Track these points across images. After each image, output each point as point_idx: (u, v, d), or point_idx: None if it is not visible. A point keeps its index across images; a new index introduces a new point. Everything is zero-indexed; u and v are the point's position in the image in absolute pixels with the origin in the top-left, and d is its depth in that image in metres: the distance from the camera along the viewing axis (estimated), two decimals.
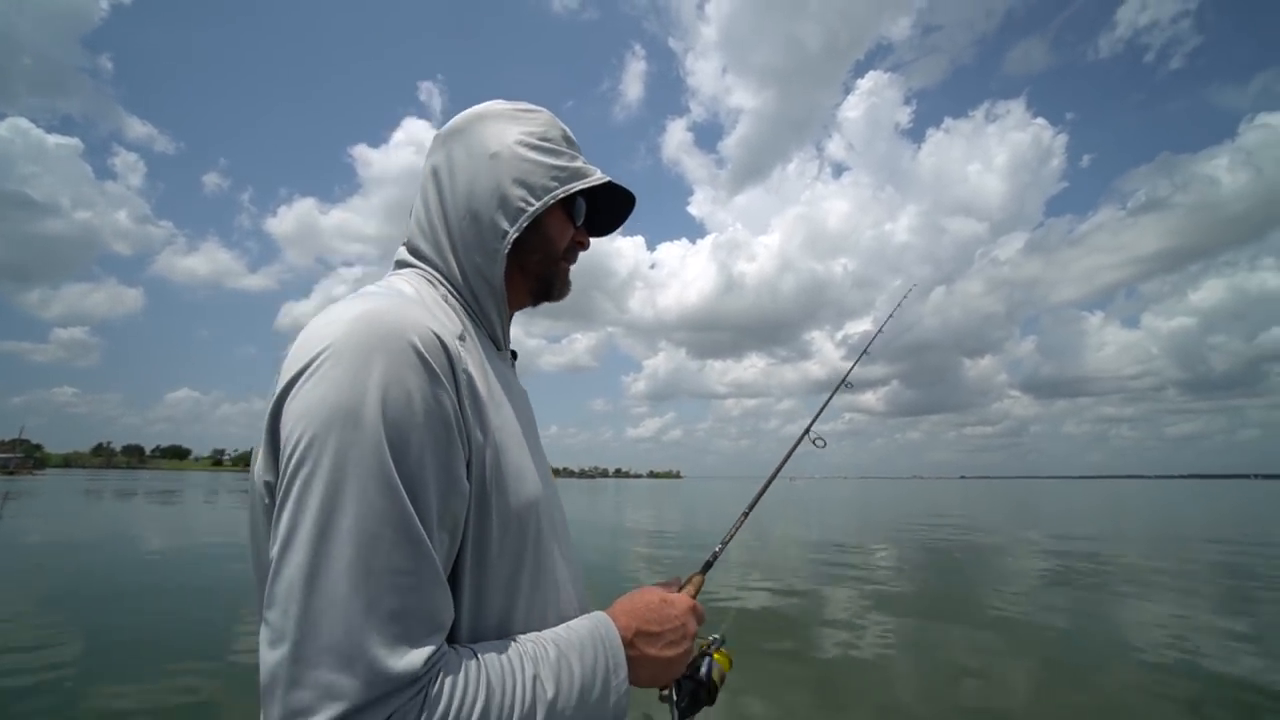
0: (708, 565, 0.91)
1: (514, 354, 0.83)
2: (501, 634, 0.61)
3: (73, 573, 8.42)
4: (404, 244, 0.77)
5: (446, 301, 0.69)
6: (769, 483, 1.09)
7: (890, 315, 1.58)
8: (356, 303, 0.59)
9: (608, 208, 0.88)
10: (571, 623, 0.64)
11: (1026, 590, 7.88)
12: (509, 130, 0.74)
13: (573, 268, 0.84)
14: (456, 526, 0.57)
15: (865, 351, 1.44)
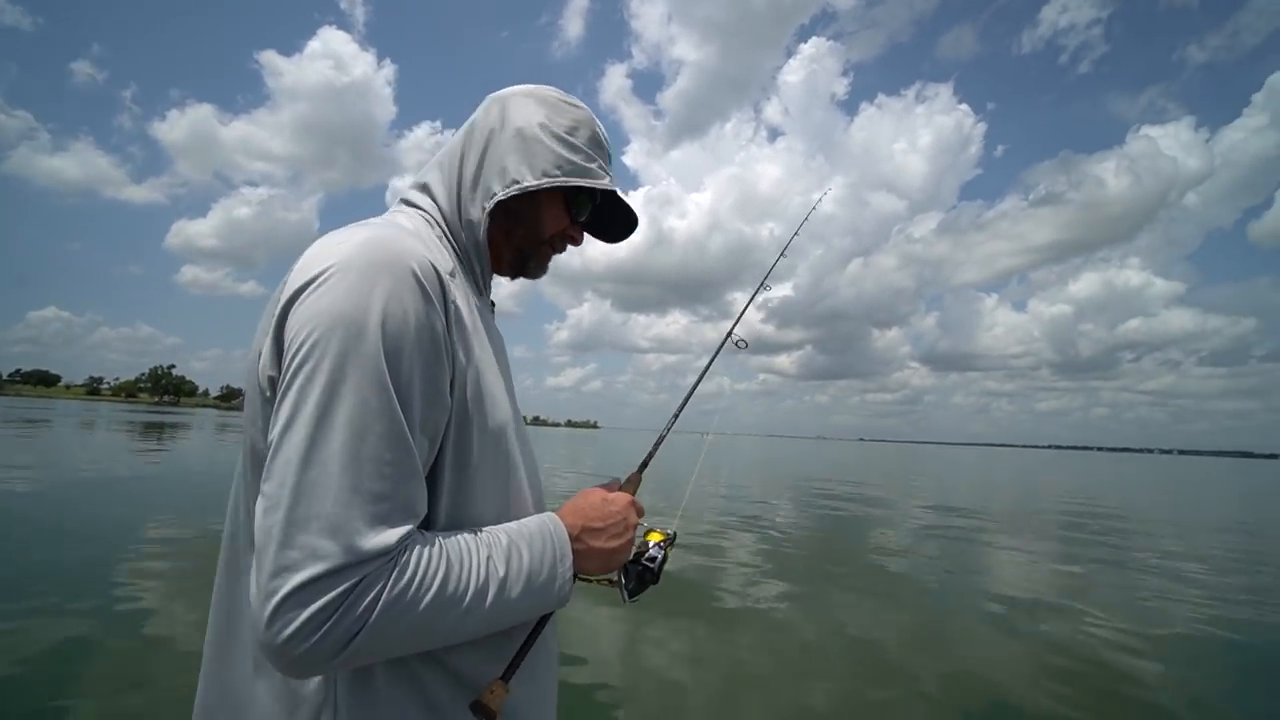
0: (644, 464, 0.96)
1: (492, 304, 0.90)
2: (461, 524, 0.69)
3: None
4: (415, 182, 0.85)
5: (441, 242, 0.78)
6: (695, 385, 1.11)
7: (804, 219, 1.56)
8: (362, 230, 0.68)
9: (623, 220, 0.95)
10: (523, 520, 0.73)
11: (903, 542, 8.80)
12: (540, 113, 0.82)
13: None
14: (436, 434, 0.65)
15: (783, 254, 1.44)
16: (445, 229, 0.80)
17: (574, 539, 0.73)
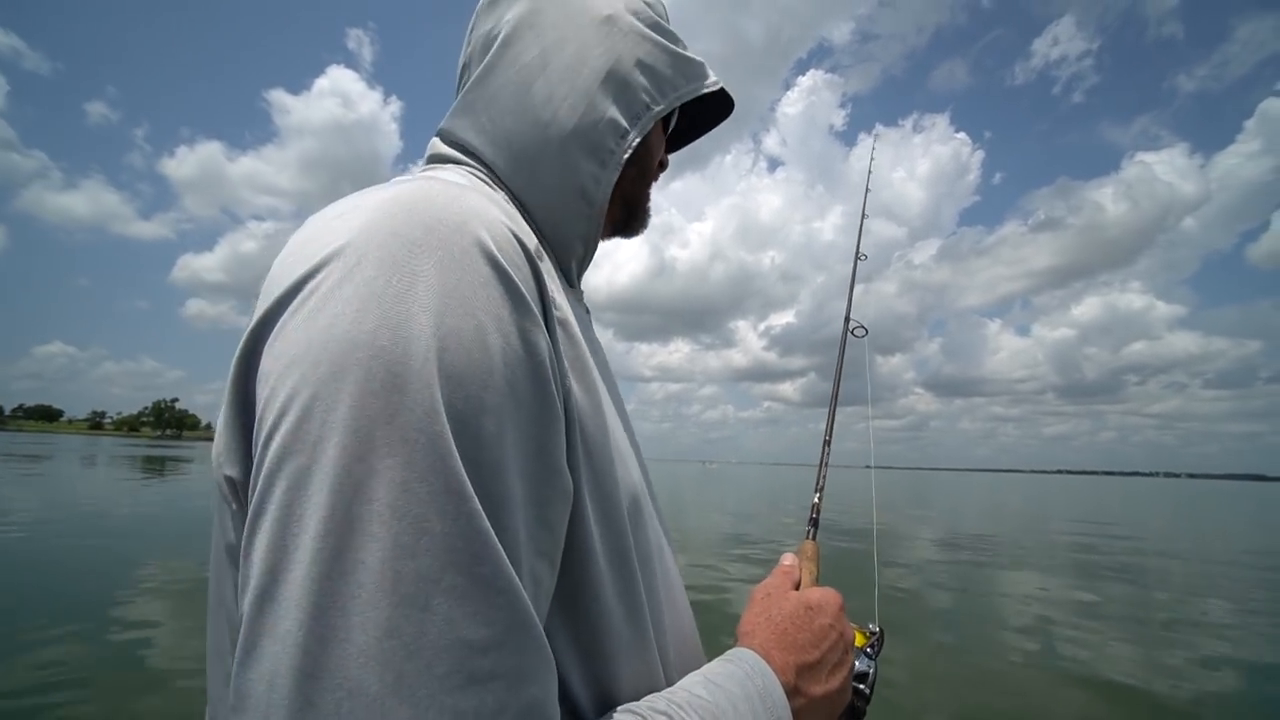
0: (814, 524, 0.72)
1: (582, 296, 0.61)
2: (613, 695, 0.40)
3: None
4: (439, 133, 0.54)
5: (514, 209, 0.48)
6: (835, 394, 0.97)
7: (866, 190, 1.42)
8: (383, 189, 0.38)
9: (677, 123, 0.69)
10: (714, 673, 0.44)
11: (912, 574, 8.62)
12: None
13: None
14: (556, 549, 0.36)
15: (865, 214, 1.32)
16: (511, 195, 0.50)
17: (791, 693, 0.45)
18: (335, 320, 0.31)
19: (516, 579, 0.31)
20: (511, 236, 0.37)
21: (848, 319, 1.10)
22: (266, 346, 0.33)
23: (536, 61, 0.51)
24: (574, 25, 0.52)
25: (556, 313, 0.40)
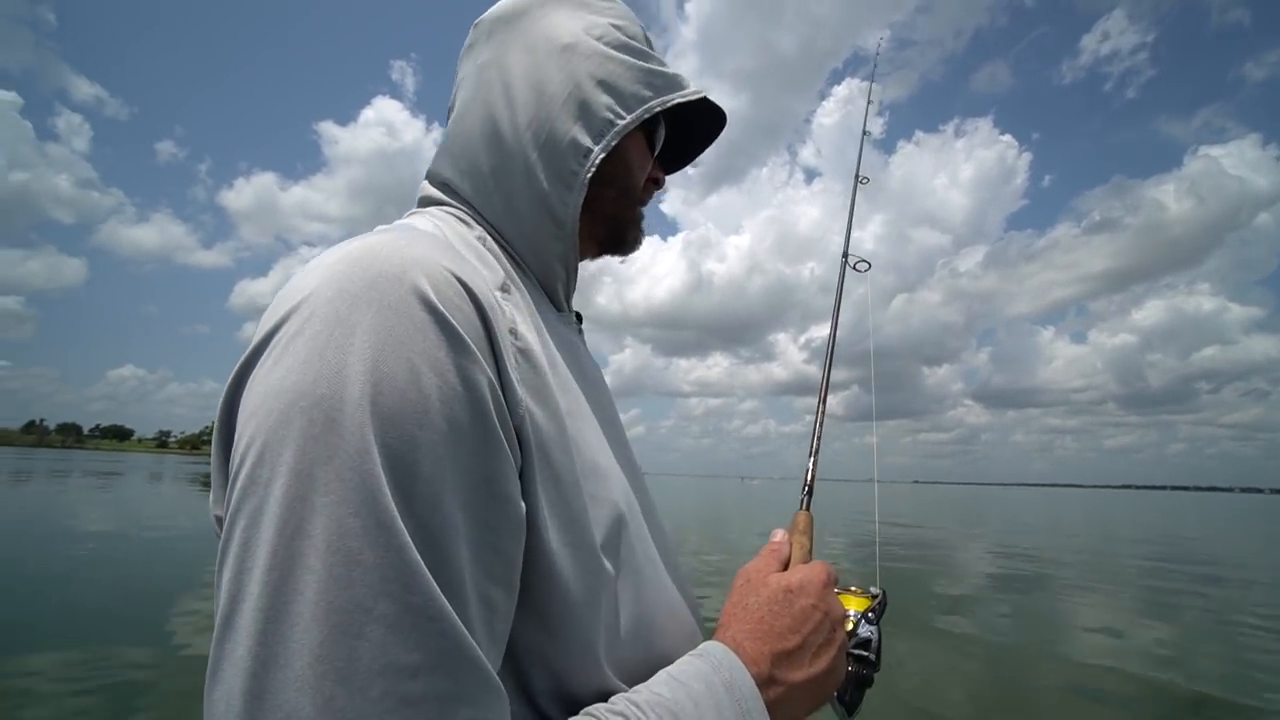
0: (808, 493, 0.67)
1: (579, 316, 0.63)
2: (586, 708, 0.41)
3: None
4: (427, 175, 0.59)
5: (485, 246, 0.51)
6: (833, 334, 0.88)
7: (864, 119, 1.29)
8: (345, 244, 0.41)
9: (671, 141, 0.69)
10: (679, 670, 0.44)
11: (966, 593, 8.22)
12: (581, 18, 0.57)
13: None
14: (511, 573, 0.38)
15: (865, 131, 1.21)
16: (490, 228, 0.53)
17: (765, 683, 0.44)
18: (286, 373, 0.35)
19: (449, 607, 0.33)
20: (453, 280, 0.39)
21: (846, 251, 0.94)
22: (246, 392, 0.37)
23: (502, 97, 0.54)
24: (536, 58, 0.54)
25: (517, 343, 0.43)
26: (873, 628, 0.59)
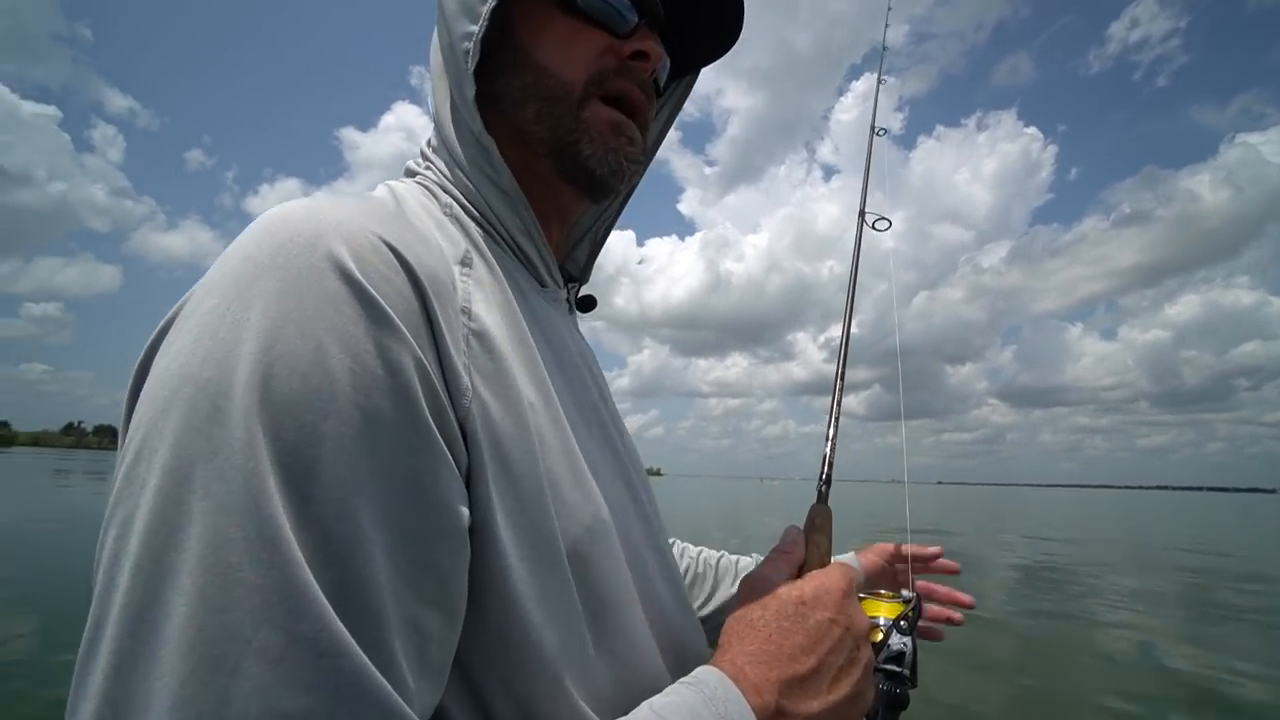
0: (827, 478, 0.56)
1: (577, 292, 0.55)
2: None
3: (32, 554, 8.22)
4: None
5: (452, 216, 0.44)
6: (849, 314, 0.76)
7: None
8: (275, 208, 0.35)
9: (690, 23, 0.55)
10: (662, 704, 0.36)
11: (999, 602, 8.02)
12: None
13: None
14: (450, 592, 0.32)
15: (881, 79, 1.08)
16: (461, 197, 0.46)
17: (771, 716, 0.37)
18: (174, 355, 0.30)
19: (349, 638, 0.27)
20: (381, 248, 0.33)
21: (863, 209, 0.83)
22: (146, 382, 0.32)
23: (436, 67, 0.50)
24: (441, 17, 0.48)
25: (471, 324, 0.36)
26: (906, 639, 0.51)
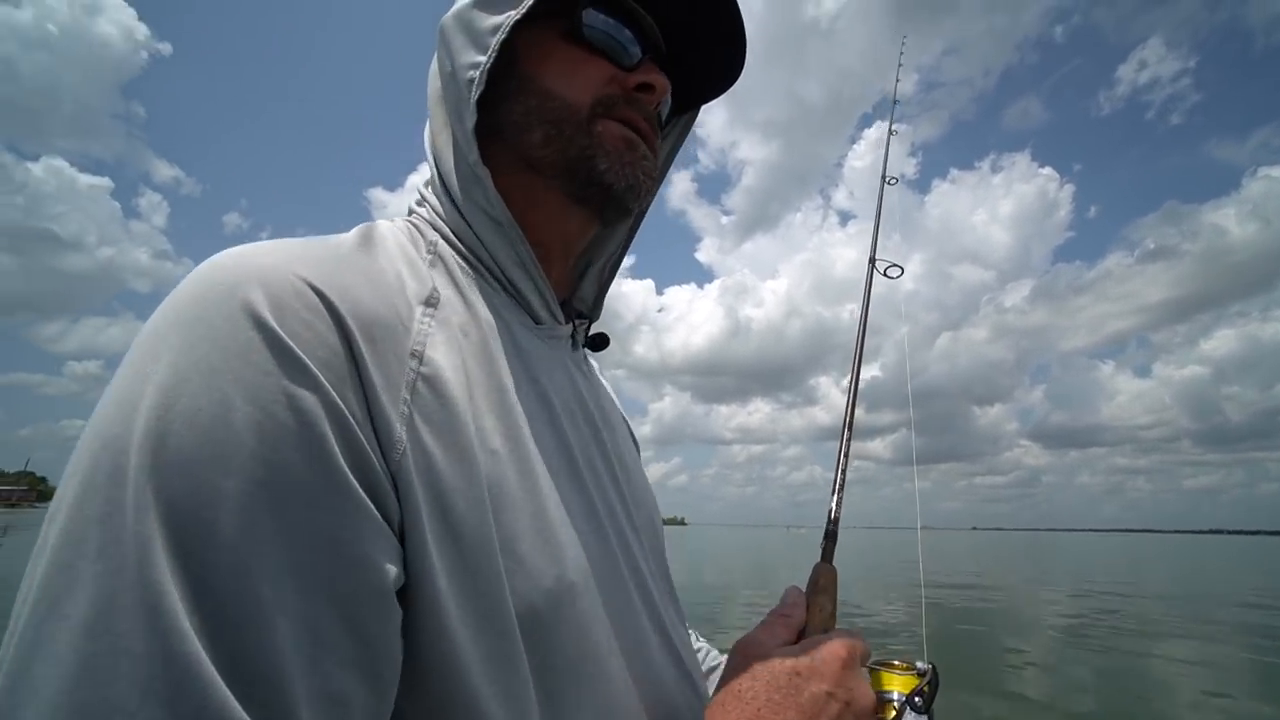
0: (832, 535, 0.53)
1: (587, 329, 0.53)
2: None
3: None
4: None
5: (436, 254, 0.42)
6: (859, 347, 0.74)
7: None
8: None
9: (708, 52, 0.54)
10: None
11: (1044, 656, 7.50)
12: None
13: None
14: (377, 656, 0.30)
15: (892, 130, 1.15)
16: (450, 233, 0.45)
17: None
18: (95, 412, 0.29)
19: (240, 713, 0.25)
20: (305, 292, 0.31)
21: (873, 256, 0.84)
22: None
23: (432, 82, 0.50)
24: (446, 30, 0.47)
25: (422, 368, 0.34)
26: (922, 717, 0.45)
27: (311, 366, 0.30)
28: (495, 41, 0.43)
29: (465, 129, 0.44)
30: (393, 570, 0.30)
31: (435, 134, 0.48)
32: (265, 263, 0.32)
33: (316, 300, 0.32)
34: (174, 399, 0.27)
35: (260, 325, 0.29)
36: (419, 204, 0.49)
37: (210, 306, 0.30)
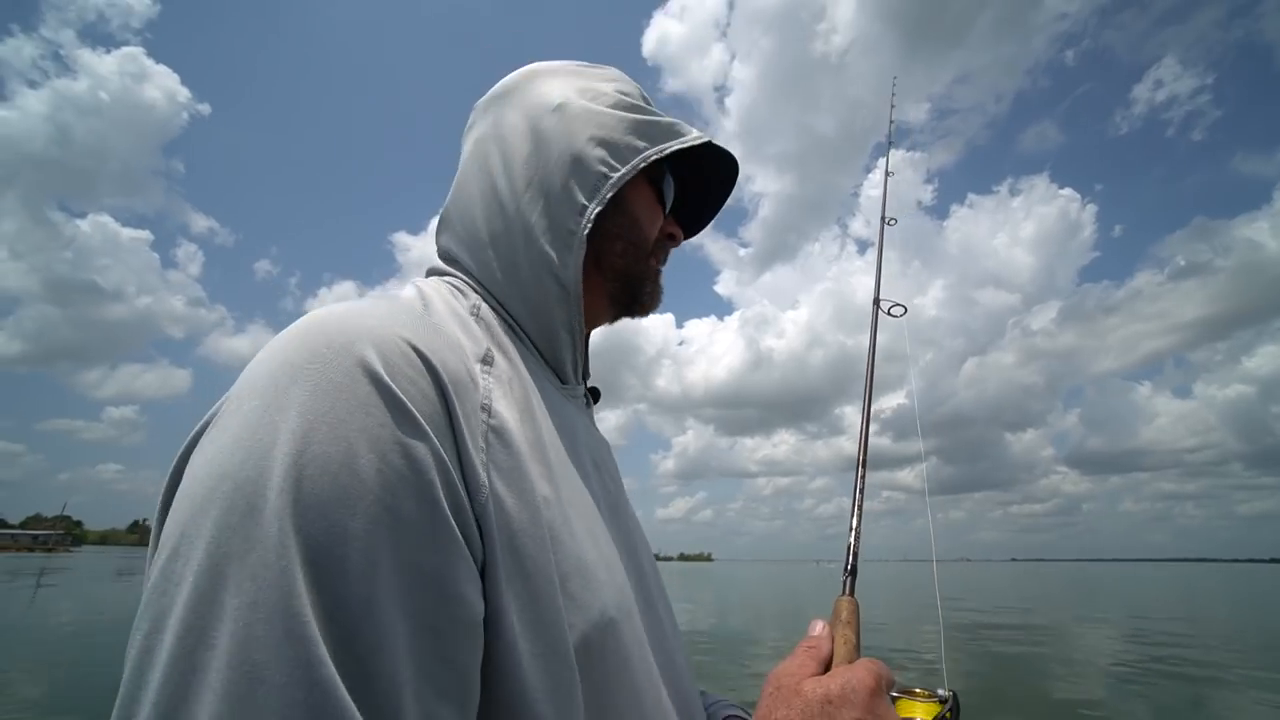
0: (851, 576, 0.57)
1: (595, 391, 0.62)
2: None
3: (88, 657, 8.23)
4: (438, 249, 0.59)
5: (478, 316, 0.48)
6: (869, 396, 0.78)
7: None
8: (309, 314, 0.38)
9: (691, 199, 0.69)
10: None
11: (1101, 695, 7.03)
12: (573, 83, 0.56)
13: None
14: (464, 687, 0.32)
15: (889, 171, 1.34)
16: (489, 295, 0.52)
17: None
18: (214, 454, 0.31)
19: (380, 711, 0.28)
20: (408, 352, 0.36)
21: (877, 297, 0.92)
22: (188, 470, 0.33)
23: (499, 163, 0.54)
24: (530, 122, 0.54)
25: (490, 421, 0.39)
26: None
27: (421, 420, 0.34)
28: (639, 159, 0.53)
29: (581, 206, 0.51)
30: (480, 605, 0.34)
31: (482, 190, 0.54)
32: (370, 324, 0.36)
33: (418, 360, 0.36)
34: (306, 446, 0.30)
35: (376, 381, 0.33)
36: (449, 264, 0.55)
37: (330, 363, 0.33)
